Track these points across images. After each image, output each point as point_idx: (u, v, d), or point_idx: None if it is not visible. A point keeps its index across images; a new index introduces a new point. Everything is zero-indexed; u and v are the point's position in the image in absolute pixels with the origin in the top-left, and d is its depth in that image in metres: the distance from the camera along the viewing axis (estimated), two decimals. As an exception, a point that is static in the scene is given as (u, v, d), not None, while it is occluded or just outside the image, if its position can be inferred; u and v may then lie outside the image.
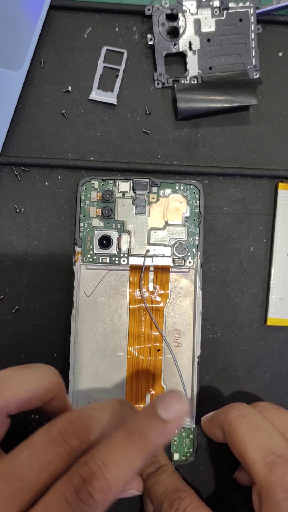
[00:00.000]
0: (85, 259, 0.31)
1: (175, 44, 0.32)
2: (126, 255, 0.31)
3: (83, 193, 0.31)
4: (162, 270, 0.31)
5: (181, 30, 0.32)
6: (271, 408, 0.27)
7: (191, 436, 0.31)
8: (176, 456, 0.31)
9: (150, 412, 0.20)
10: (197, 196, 0.32)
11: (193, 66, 0.32)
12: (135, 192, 0.31)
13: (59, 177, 0.32)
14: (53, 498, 0.19)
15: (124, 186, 0.31)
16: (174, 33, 0.32)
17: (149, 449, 0.20)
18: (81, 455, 0.20)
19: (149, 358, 0.31)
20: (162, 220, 0.32)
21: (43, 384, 0.22)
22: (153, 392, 0.31)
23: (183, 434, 0.31)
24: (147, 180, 0.31)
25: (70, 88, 0.32)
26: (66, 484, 0.19)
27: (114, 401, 0.23)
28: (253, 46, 0.32)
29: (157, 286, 0.31)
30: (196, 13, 0.32)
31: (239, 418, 0.26)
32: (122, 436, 0.20)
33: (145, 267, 0.31)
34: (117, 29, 0.33)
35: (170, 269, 0.32)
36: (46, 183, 0.32)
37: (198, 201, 0.32)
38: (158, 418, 0.20)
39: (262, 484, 0.23)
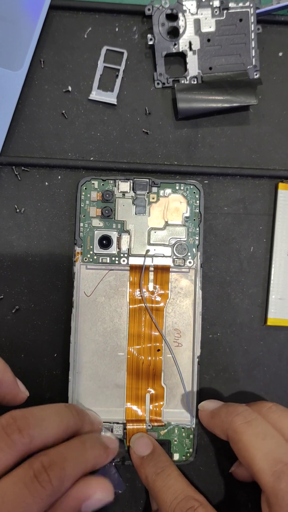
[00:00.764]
0: (85, 259, 0.31)
1: (175, 44, 0.32)
2: (126, 255, 0.31)
3: (83, 193, 0.31)
4: (162, 270, 0.31)
5: (181, 30, 0.32)
6: (277, 410, 0.27)
7: (191, 436, 0.31)
8: (176, 456, 0.31)
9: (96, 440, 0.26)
10: (197, 196, 0.32)
11: (193, 66, 0.32)
12: (135, 192, 0.31)
13: (59, 177, 0.32)
14: (9, 482, 0.20)
15: (124, 186, 0.31)
16: (174, 33, 0.32)
17: (98, 458, 0.25)
18: (26, 454, 0.22)
19: (149, 358, 0.31)
20: (162, 220, 0.32)
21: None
22: (153, 392, 0.31)
23: (183, 434, 0.31)
24: (147, 180, 0.31)
25: (70, 88, 0.32)
26: (25, 470, 0.21)
27: (60, 404, 0.25)
28: (253, 46, 0.32)
29: (157, 286, 0.31)
30: (196, 13, 0.32)
31: (244, 426, 0.25)
32: (77, 441, 0.24)
33: (145, 267, 0.31)
34: (117, 29, 0.33)
35: (170, 269, 0.32)
36: (46, 183, 0.32)
37: (198, 201, 0.32)
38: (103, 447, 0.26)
39: (271, 493, 0.23)
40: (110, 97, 0.32)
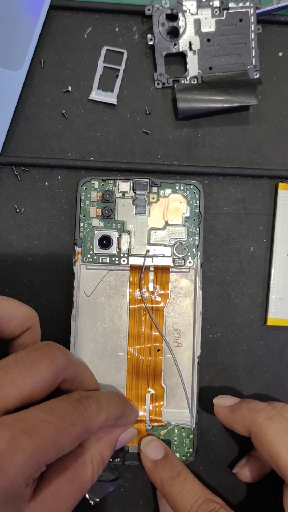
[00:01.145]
0: (85, 259, 0.31)
1: (175, 44, 0.32)
2: (126, 255, 0.31)
3: (83, 193, 0.31)
4: (162, 270, 0.31)
5: (181, 30, 0.32)
6: None
7: (191, 436, 0.31)
8: (179, 459, 0.31)
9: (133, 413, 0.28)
10: (197, 196, 0.32)
11: (193, 66, 0.32)
12: (135, 192, 0.31)
13: (59, 177, 0.32)
14: (55, 400, 0.22)
15: (124, 186, 0.31)
16: (174, 33, 0.32)
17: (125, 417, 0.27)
18: (63, 373, 0.23)
19: (149, 358, 0.31)
20: (162, 220, 0.32)
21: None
22: (153, 392, 0.31)
23: (183, 434, 0.31)
24: (147, 180, 0.31)
25: (70, 88, 0.32)
26: (67, 396, 0.23)
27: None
28: (253, 46, 0.32)
29: (157, 286, 0.31)
30: (196, 13, 0.32)
31: (268, 422, 0.26)
32: (109, 391, 0.27)
33: (145, 267, 0.31)
34: (117, 29, 0.33)
35: (170, 269, 0.32)
36: (46, 183, 0.32)
37: (198, 201, 0.32)
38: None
39: None
40: (110, 97, 0.32)
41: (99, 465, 0.24)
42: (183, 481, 0.27)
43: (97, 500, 0.30)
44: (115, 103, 0.32)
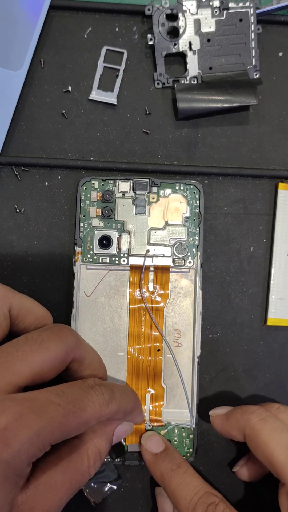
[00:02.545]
0: (85, 259, 0.31)
1: (175, 44, 0.32)
2: (126, 255, 0.31)
3: (83, 193, 0.31)
4: (162, 270, 0.31)
5: (181, 30, 0.32)
6: (285, 410, 0.28)
7: (191, 436, 0.31)
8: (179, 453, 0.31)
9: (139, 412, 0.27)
10: (197, 196, 0.32)
11: (193, 66, 0.32)
12: (135, 192, 0.31)
13: (59, 177, 0.32)
14: (67, 385, 0.23)
15: (124, 186, 0.31)
16: (174, 33, 0.32)
17: (134, 411, 0.26)
18: (71, 354, 0.24)
19: (149, 358, 0.31)
20: (162, 220, 0.32)
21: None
22: (153, 392, 0.31)
23: (183, 434, 0.31)
24: (147, 180, 0.31)
25: (70, 88, 0.32)
26: (80, 381, 0.23)
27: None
28: (253, 46, 0.32)
29: (157, 286, 0.31)
30: (196, 13, 0.32)
31: (261, 423, 0.26)
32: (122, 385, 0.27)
33: (145, 267, 0.31)
34: (117, 29, 0.33)
35: (170, 269, 0.32)
36: (46, 183, 0.32)
37: (198, 201, 0.32)
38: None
39: None
40: (110, 97, 0.32)
41: (95, 457, 0.24)
42: (183, 473, 0.27)
43: (98, 501, 0.30)
44: (115, 103, 0.32)
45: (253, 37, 0.32)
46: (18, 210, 0.32)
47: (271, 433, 0.25)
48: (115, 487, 0.30)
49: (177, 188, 0.32)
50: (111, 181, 0.31)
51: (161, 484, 0.27)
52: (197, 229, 0.32)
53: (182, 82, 0.33)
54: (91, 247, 0.31)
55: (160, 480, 0.27)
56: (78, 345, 0.24)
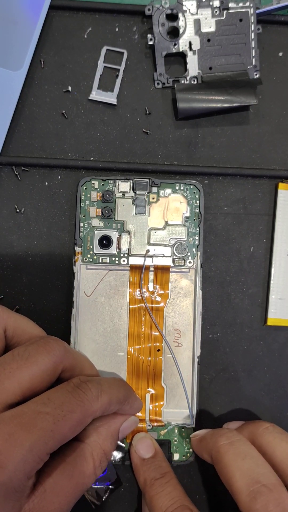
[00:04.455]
0: (85, 259, 0.31)
1: (175, 44, 0.32)
2: (126, 255, 0.31)
3: (83, 193, 0.31)
4: (162, 270, 0.31)
5: (181, 30, 0.32)
6: (273, 432, 0.27)
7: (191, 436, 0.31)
8: (176, 456, 0.31)
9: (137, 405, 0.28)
10: (197, 196, 0.32)
11: (193, 66, 0.32)
12: (135, 192, 0.31)
13: (59, 177, 0.32)
14: (53, 390, 0.22)
15: (124, 186, 0.31)
16: (174, 33, 0.32)
17: (131, 404, 0.26)
18: (60, 364, 0.24)
19: (149, 358, 0.31)
20: (162, 220, 0.32)
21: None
22: (153, 392, 0.31)
23: (183, 434, 0.31)
24: (147, 180, 0.31)
25: (70, 88, 0.32)
26: (66, 383, 0.23)
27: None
28: (253, 46, 0.32)
29: (157, 286, 0.31)
30: (196, 13, 0.32)
31: (227, 446, 0.26)
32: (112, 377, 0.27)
33: (145, 267, 0.31)
34: (117, 29, 0.33)
35: (170, 269, 0.32)
36: (46, 183, 0.32)
37: (198, 201, 0.32)
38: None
39: None
40: (110, 97, 0.32)
41: (101, 458, 0.24)
42: (165, 483, 0.27)
43: (99, 503, 0.30)
44: (115, 103, 0.32)
45: (253, 37, 0.32)
46: (18, 210, 0.32)
47: (234, 457, 0.25)
48: (114, 488, 0.30)
49: (177, 188, 0.32)
50: (111, 181, 0.31)
51: (142, 491, 0.27)
52: (197, 229, 0.32)
53: (182, 82, 0.33)
54: (91, 247, 0.31)
55: (142, 487, 0.27)
56: (66, 355, 0.24)
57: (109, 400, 0.24)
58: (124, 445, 0.30)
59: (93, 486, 0.30)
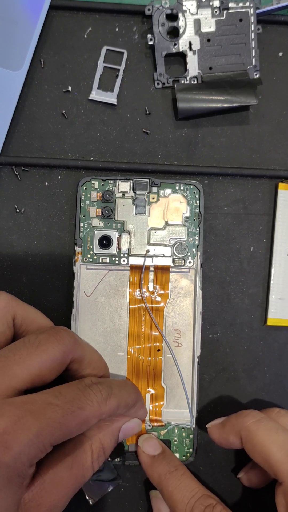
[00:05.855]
0: (85, 259, 0.31)
1: (175, 44, 0.32)
2: (126, 255, 0.31)
3: (83, 193, 0.31)
4: (162, 270, 0.31)
5: (181, 30, 0.32)
6: (286, 414, 0.28)
7: (191, 436, 0.31)
8: (176, 456, 0.31)
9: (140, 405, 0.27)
10: (197, 196, 0.32)
11: (193, 66, 0.32)
12: (135, 192, 0.31)
13: (59, 177, 0.32)
14: (65, 386, 0.23)
15: (124, 186, 0.31)
16: (174, 33, 0.32)
17: (136, 406, 0.26)
18: (70, 355, 0.24)
19: (149, 358, 0.31)
20: (162, 220, 0.32)
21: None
22: (153, 392, 0.31)
23: (183, 434, 0.31)
24: (147, 180, 0.31)
25: (70, 88, 0.32)
26: (78, 381, 0.23)
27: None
28: (253, 46, 0.32)
29: (157, 286, 0.31)
30: (196, 13, 0.32)
31: (256, 424, 0.26)
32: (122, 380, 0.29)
33: (145, 267, 0.31)
34: (117, 29, 0.33)
35: (170, 269, 0.32)
36: (46, 183, 0.32)
37: (198, 201, 0.32)
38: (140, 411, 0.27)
39: None
40: (110, 97, 0.32)
41: (99, 452, 0.24)
42: (180, 475, 0.27)
43: (96, 499, 0.30)
44: (115, 103, 0.32)
45: (253, 37, 0.32)
46: (18, 210, 0.32)
47: (267, 432, 0.26)
48: (112, 486, 0.30)
49: (177, 188, 0.32)
50: (111, 181, 0.31)
51: (158, 487, 0.27)
52: (197, 229, 0.32)
53: (182, 82, 0.33)
54: (91, 247, 0.31)
55: (157, 483, 0.27)
56: (76, 346, 0.24)
57: (117, 404, 0.24)
58: (126, 448, 0.30)
59: (91, 483, 0.30)
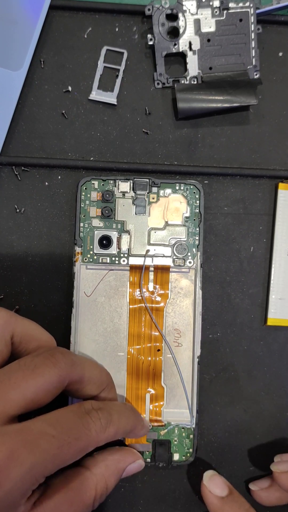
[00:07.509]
0: (85, 259, 0.31)
1: (175, 44, 0.32)
2: (126, 255, 0.31)
3: (83, 193, 0.31)
4: (162, 270, 0.31)
5: (181, 30, 0.32)
6: None
7: (191, 436, 0.31)
8: (176, 456, 0.31)
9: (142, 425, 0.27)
10: (197, 196, 0.32)
11: (193, 66, 0.32)
12: (135, 192, 0.31)
13: (59, 177, 0.32)
14: (63, 411, 0.22)
15: (124, 186, 0.31)
16: (174, 33, 0.32)
17: (137, 430, 0.27)
18: (66, 378, 0.23)
19: (149, 358, 0.31)
20: (162, 220, 0.32)
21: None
22: (153, 392, 0.31)
23: (183, 434, 0.31)
24: (147, 180, 0.31)
25: (70, 88, 0.32)
26: (77, 406, 0.23)
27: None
28: (253, 46, 0.32)
29: (157, 286, 0.31)
30: (196, 13, 0.32)
31: None
32: (121, 403, 0.28)
33: (145, 267, 0.31)
34: (117, 29, 0.33)
35: (170, 269, 0.32)
36: (46, 183, 0.32)
37: (198, 201, 0.32)
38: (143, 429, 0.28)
39: None
40: (110, 97, 0.32)
41: (102, 492, 0.24)
42: (236, 496, 0.27)
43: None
44: (115, 103, 0.32)
45: (253, 37, 0.32)
46: (18, 210, 0.32)
47: None
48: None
49: (177, 188, 0.32)
50: (111, 181, 0.31)
51: None
52: (197, 229, 0.32)
53: (182, 82, 0.33)
54: (91, 247, 0.31)
55: None
56: (73, 368, 0.24)
57: (115, 432, 0.24)
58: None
59: None
